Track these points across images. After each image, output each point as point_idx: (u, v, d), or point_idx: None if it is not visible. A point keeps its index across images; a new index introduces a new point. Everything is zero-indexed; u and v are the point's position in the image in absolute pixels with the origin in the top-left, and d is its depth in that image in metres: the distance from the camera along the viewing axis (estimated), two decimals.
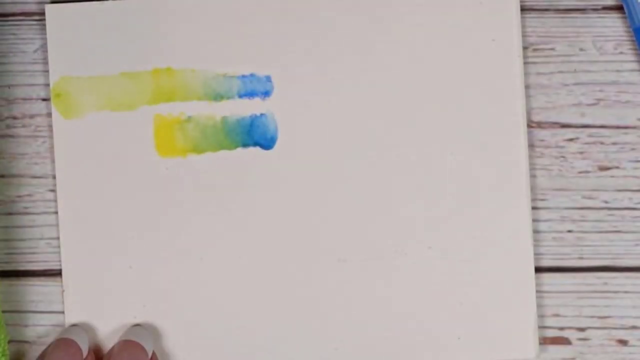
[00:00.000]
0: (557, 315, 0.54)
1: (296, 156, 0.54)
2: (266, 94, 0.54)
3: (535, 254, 0.54)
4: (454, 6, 0.53)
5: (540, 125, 0.54)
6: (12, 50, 0.55)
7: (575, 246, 0.54)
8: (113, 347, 0.52)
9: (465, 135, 0.53)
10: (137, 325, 0.53)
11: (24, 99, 0.55)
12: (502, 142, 0.53)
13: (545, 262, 0.54)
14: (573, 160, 0.54)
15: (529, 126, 0.54)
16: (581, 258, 0.54)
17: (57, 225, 0.54)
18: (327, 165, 0.53)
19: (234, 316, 0.53)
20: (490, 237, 0.53)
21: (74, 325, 0.53)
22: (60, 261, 0.54)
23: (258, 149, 0.54)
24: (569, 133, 0.54)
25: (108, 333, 0.54)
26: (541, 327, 0.54)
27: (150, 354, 0.52)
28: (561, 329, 0.54)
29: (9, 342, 0.54)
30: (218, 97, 0.54)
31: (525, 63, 0.54)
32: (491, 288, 0.53)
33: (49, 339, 0.54)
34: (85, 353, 0.52)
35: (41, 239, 0.54)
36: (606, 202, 0.54)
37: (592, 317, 0.54)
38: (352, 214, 0.53)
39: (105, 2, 0.53)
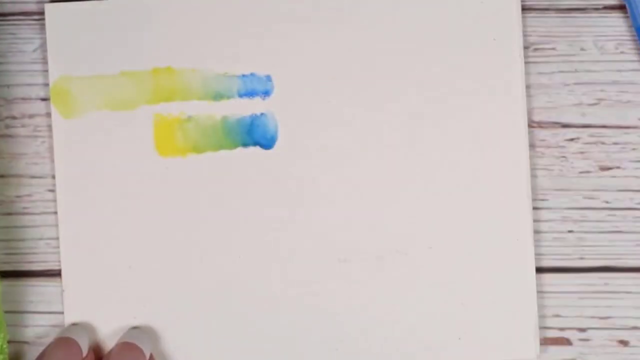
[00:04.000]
0: (557, 315, 0.54)
1: (296, 156, 0.53)
2: (266, 93, 0.53)
3: (536, 254, 0.54)
4: (454, 6, 0.53)
5: (541, 125, 0.54)
6: (11, 49, 0.55)
7: (576, 246, 0.54)
8: (111, 350, 0.52)
9: (466, 135, 0.53)
10: (136, 327, 0.53)
11: (23, 99, 0.55)
12: (502, 142, 0.53)
13: (546, 263, 0.54)
14: (574, 160, 0.54)
15: (529, 126, 0.54)
16: (582, 258, 0.54)
17: (56, 225, 0.54)
18: (327, 165, 0.53)
19: (233, 317, 0.53)
20: (491, 237, 0.53)
21: (74, 324, 0.53)
22: (59, 261, 0.54)
23: (258, 148, 0.54)
24: (570, 133, 0.54)
25: (108, 333, 0.54)
26: (542, 328, 0.54)
27: (148, 356, 0.52)
28: (562, 329, 0.54)
29: (8, 342, 0.53)
30: (218, 96, 0.54)
31: (526, 63, 0.54)
32: (492, 288, 0.53)
33: (48, 339, 0.54)
34: (85, 352, 0.52)
35: (40, 239, 0.54)
36: (607, 202, 0.54)
37: (593, 317, 0.54)
38: (353, 213, 0.53)
39: (105, 1, 0.53)
